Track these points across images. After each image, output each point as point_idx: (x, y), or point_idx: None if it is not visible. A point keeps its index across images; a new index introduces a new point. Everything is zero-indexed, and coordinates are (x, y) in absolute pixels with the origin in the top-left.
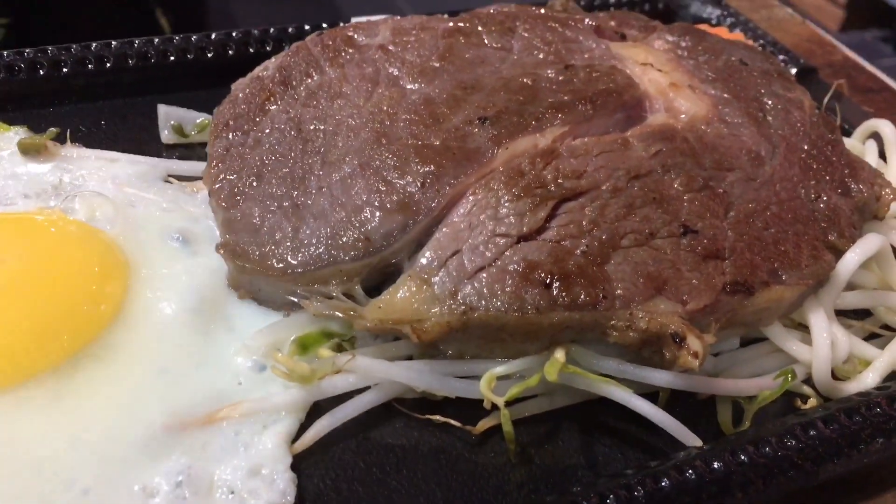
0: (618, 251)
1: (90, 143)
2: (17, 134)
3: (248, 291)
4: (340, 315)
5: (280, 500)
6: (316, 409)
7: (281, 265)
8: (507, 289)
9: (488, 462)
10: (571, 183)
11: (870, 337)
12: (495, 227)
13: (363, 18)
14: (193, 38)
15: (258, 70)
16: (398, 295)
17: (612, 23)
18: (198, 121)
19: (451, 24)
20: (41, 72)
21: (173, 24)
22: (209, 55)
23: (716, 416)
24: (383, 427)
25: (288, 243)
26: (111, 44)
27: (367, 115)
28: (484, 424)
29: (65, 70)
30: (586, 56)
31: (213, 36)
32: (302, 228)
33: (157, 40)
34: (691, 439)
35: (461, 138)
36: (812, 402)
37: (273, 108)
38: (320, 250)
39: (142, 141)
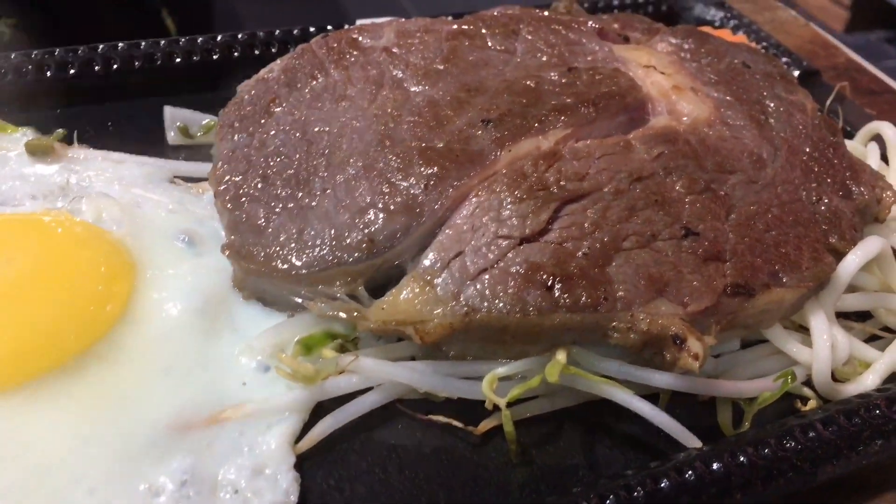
0: (619, 253)
1: (97, 144)
2: (24, 135)
3: (253, 292)
4: (344, 316)
5: (283, 500)
6: (319, 410)
7: (285, 266)
8: (509, 290)
9: (490, 462)
10: (574, 185)
11: (870, 339)
12: (498, 229)
13: (368, 21)
14: (199, 39)
15: (263, 72)
16: (401, 296)
17: (616, 25)
18: (203, 122)
19: (454, 26)
20: (48, 73)
21: (179, 25)
22: (215, 57)
23: (716, 418)
24: (386, 427)
25: (292, 245)
26: (118, 45)
27: (371, 117)
28: (486, 425)
29: (72, 72)
30: (589, 58)
31: (219, 38)
32: (306, 230)
33: (163, 42)
34: (691, 440)
35: (464, 140)
36: (812, 403)
37: (278, 109)
38: (324, 252)
39: (148, 142)
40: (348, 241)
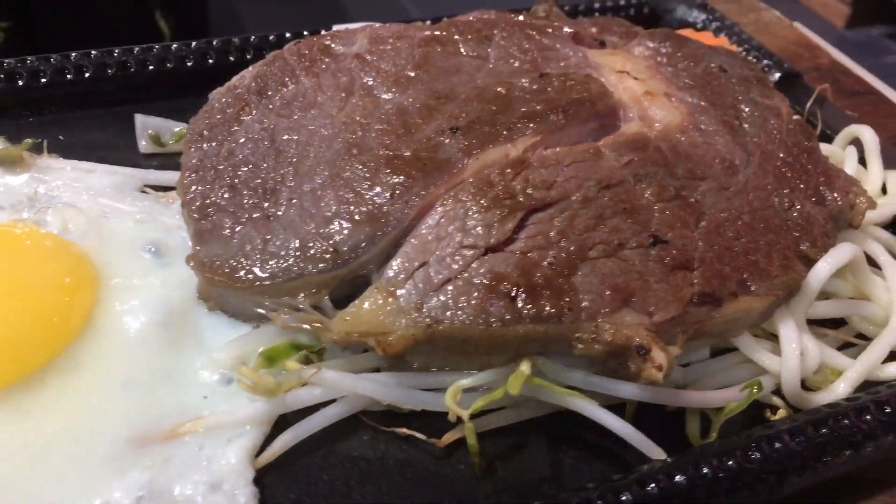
0: (585, 262)
1: (68, 153)
2: None
3: (218, 303)
4: (307, 328)
5: None
6: (284, 422)
7: (249, 277)
8: (473, 301)
9: (454, 475)
10: (541, 193)
11: (845, 346)
12: (463, 239)
13: (343, 26)
14: (173, 46)
15: (235, 79)
16: (364, 307)
17: (594, 29)
18: (176, 130)
19: (427, 32)
20: (20, 82)
21: (174, 27)
22: (189, 64)
23: (685, 428)
24: (349, 440)
25: (257, 255)
26: (90, 53)
27: (339, 125)
28: (449, 437)
29: (44, 80)
30: (562, 64)
31: (193, 45)
32: (272, 240)
33: (136, 49)
34: (656, 452)
35: (432, 149)
36: (782, 412)
37: (247, 118)
38: (288, 262)
39: (120, 151)
40: (312, 251)
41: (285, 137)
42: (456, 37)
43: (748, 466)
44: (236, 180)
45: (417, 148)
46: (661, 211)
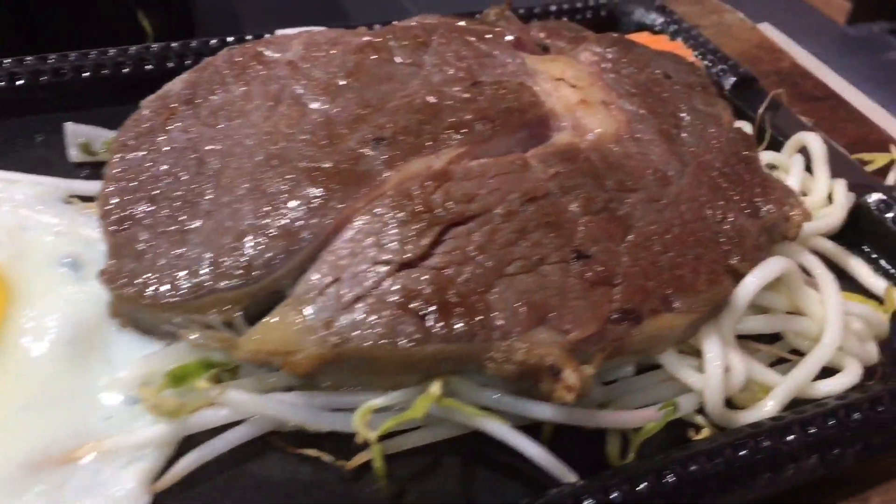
0: (502, 279)
1: None
2: None
3: (130, 320)
4: (216, 346)
5: None
6: (196, 443)
7: (157, 294)
8: (382, 320)
9: (363, 498)
10: (461, 207)
11: (779, 362)
12: (377, 255)
13: (286, 31)
14: (110, 52)
15: (167, 86)
16: (273, 324)
17: (542, 34)
18: (107, 138)
19: (365, 38)
20: None
21: (157, 27)
22: (125, 70)
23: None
24: (256, 461)
25: (168, 271)
26: (24, 60)
27: (262, 135)
28: (358, 459)
29: None
30: (499, 72)
31: (130, 50)
32: (185, 255)
33: (72, 55)
34: (566, 475)
35: (354, 160)
36: (706, 432)
37: (173, 126)
38: (199, 279)
39: (51, 160)
40: (224, 267)
41: (209, 148)
42: (391, 43)
43: (660, 490)
44: (156, 192)
45: (339, 159)
46: (586, 224)
